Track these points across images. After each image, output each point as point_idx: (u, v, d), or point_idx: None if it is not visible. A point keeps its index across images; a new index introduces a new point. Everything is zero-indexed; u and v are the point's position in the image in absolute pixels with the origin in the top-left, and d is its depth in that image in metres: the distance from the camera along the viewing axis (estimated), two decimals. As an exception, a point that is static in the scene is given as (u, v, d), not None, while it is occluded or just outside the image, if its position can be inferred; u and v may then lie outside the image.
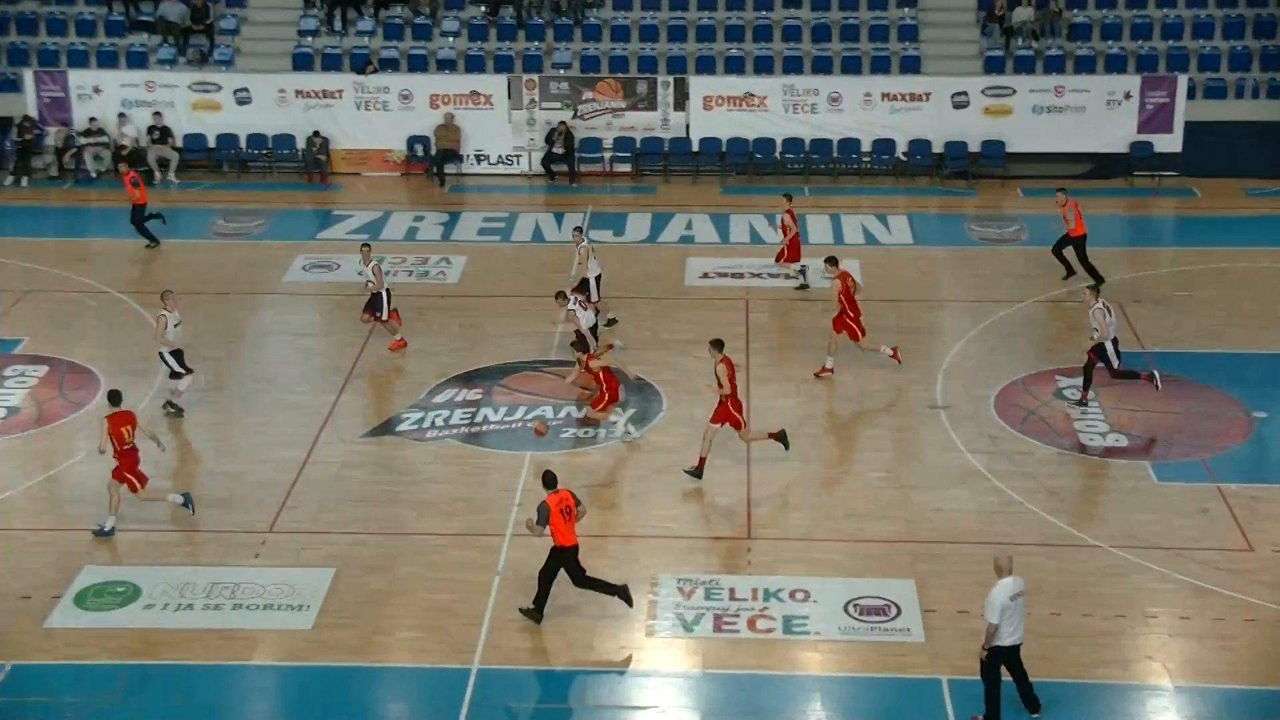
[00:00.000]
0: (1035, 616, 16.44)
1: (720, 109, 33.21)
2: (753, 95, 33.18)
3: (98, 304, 26.02)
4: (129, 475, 19.04)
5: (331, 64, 33.91)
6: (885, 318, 25.14)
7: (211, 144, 33.18)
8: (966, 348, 24.54)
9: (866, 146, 33.26)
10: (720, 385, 20.13)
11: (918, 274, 27.97)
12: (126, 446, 19.02)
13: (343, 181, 32.81)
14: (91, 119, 32.60)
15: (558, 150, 32.76)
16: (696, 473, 20.35)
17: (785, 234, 26.48)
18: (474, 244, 29.20)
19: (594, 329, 23.21)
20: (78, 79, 32.92)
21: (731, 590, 17.91)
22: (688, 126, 33.30)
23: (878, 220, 30.52)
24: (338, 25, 34.52)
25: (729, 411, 20.29)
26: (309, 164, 32.82)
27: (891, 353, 23.36)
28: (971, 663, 15.54)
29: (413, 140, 33.15)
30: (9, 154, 32.39)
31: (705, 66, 34.02)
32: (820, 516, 19.65)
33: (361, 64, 33.45)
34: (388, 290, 24.21)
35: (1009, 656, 15.27)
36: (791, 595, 17.81)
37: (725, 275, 27.58)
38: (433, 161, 32.88)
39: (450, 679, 16.42)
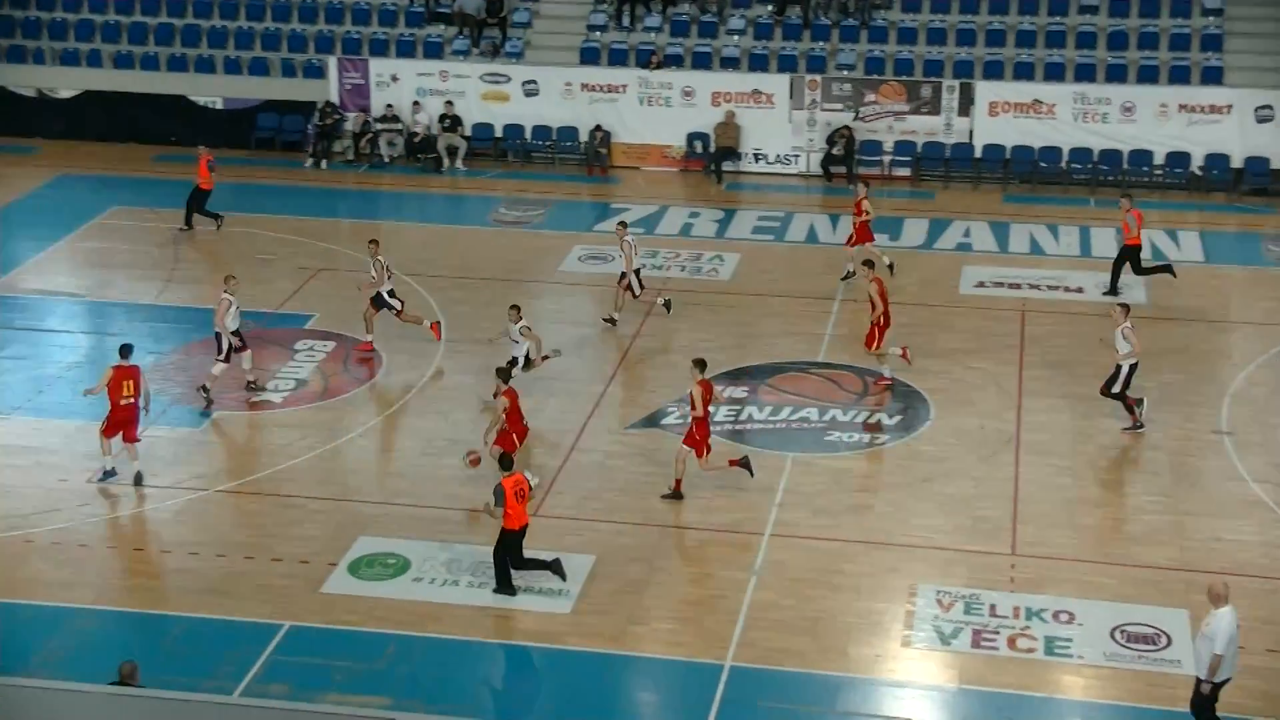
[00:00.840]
0: None
1: (1006, 115, 32.50)
2: (1041, 102, 32.37)
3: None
4: (119, 430, 19.75)
5: (618, 59, 34.41)
6: (1171, 337, 24.25)
7: (498, 134, 34.04)
8: (1257, 373, 23.46)
9: (1159, 159, 32.09)
10: (694, 407, 19.51)
11: (1208, 293, 26.86)
12: (124, 401, 19.70)
13: (622, 175, 33.27)
14: (388, 106, 33.82)
15: (837, 152, 32.55)
16: (676, 495, 19.80)
17: (858, 216, 26.53)
18: (748, 242, 29.27)
19: (526, 361, 22.39)
20: (378, 67, 34.19)
21: (992, 606, 17.52)
22: (971, 132, 32.68)
23: (1167, 236, 29.41)
24: (626, 21, 35.02)
25: (693, 436, 19.65)
26: (590, 157, 33.39)
27: (901, 352, 22.88)
28: (1245, 701, 14.87)
29: (693, 137, 33.39)
30: (310, 137, 33.85)
31: (993, 72, 33.32)
32: (1090, 537, 19.06)
33: (646, 59, 33.86)
34: (390, 291, 24.02)
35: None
36: (1055, 616, 17.32)
37: (1002, 285, 26.99)
38: (711, 158, 33.07)
39: (703, 673, 16.50)
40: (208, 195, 29.25)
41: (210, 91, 34.66)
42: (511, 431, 19.84)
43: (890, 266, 26.49)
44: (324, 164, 33.60)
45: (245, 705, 12.83)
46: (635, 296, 25.03)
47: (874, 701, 16.21)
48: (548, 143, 33.89)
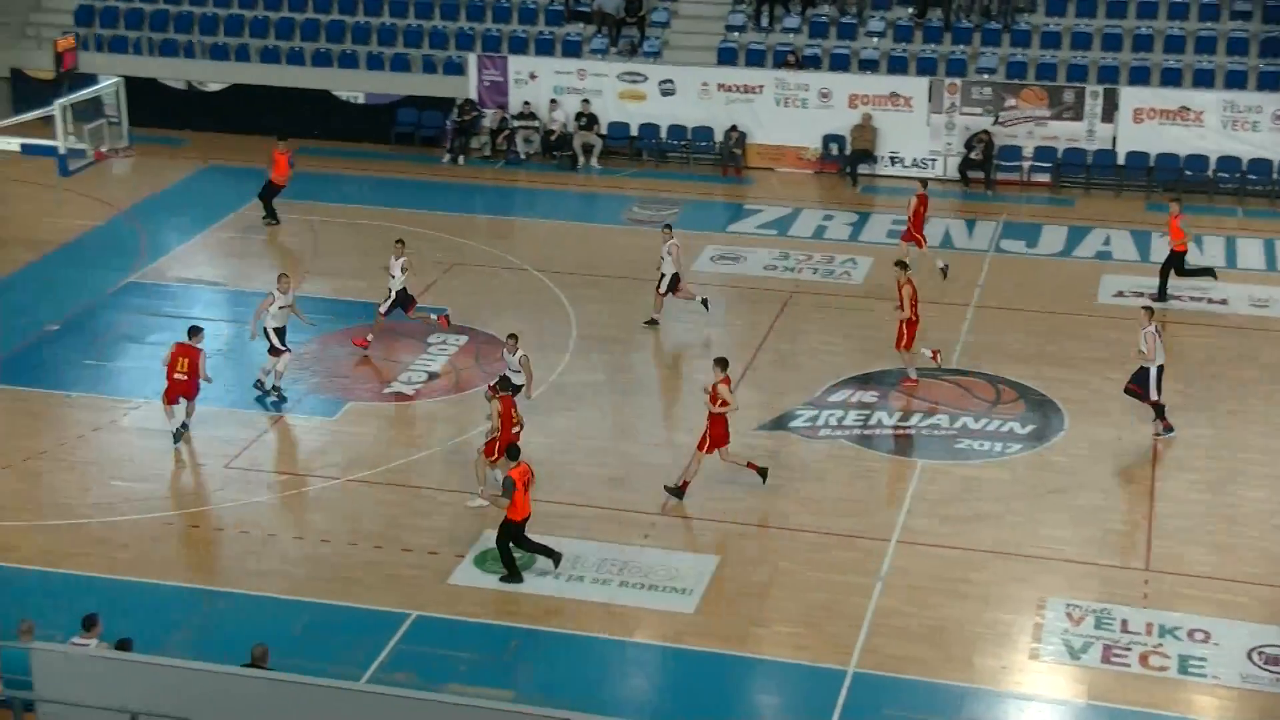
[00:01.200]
0: None
1: (1151, 122, 31.82)
2: (1188, 109, 31.65)
3: (516, 280, 27.19)
4: (176, 398, 20.79)
5: (755, 60, 34.33)
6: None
7: (634, 132, 34.14)
8: None
9: (1312, 170, 31.25)
10: (723, 403, 19.44)
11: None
12: (178, 375, 20.68)
13: (756, 176, 33.17)
14: (525, 103, 34.10)
15: (975, 157, 32.15)
16: (678, 493, 19.75)
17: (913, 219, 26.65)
18: (881, 246, 28.98)
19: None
20: (516, 65, 34.47)
21: (1124, 622, 17.18)
22: (1114, 139, 32.06)
23: (1315, 249, 28.62)
24: (764, 21, 34.91)
25: (723, 430, 19.64)
26: (725, 157, 33.34)
27: (932, 355, 22.84)
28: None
29: (828, 139, 33.20)
30: (449, 133, 34.25)
31: (1139, 78, 32.65)
32: (1228, 555, 18.60)
33: (783, 59, 33.74)
34: (403, 290, 23.99)
35: None
36: (1190, 635, 16.94)
37: (1142, 295, 26.40)
38: (846, 161, 32.85)
39: (825, 678, 16.40)
40: (279, 190, 29.60)
41: (352, 86, 35.22)
42: (502, 440, 19.47)
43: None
44: (461, 160, 33.97)
45: (371, 692, 13.00)
46: (662, 294, 24.87)
47: (999, 713, 15.99)
48: (683, 142, 33.91)
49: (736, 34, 34.82)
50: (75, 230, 29.15)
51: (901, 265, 23.46)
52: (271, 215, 29.70)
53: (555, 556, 18.16)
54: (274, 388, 22.57)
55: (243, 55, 35.86)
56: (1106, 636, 16.94)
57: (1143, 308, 22.02)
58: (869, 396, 22.70)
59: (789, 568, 18.48)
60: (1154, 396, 21.18)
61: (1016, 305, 26.04)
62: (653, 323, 24.97)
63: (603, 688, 16.58)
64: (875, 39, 34.30)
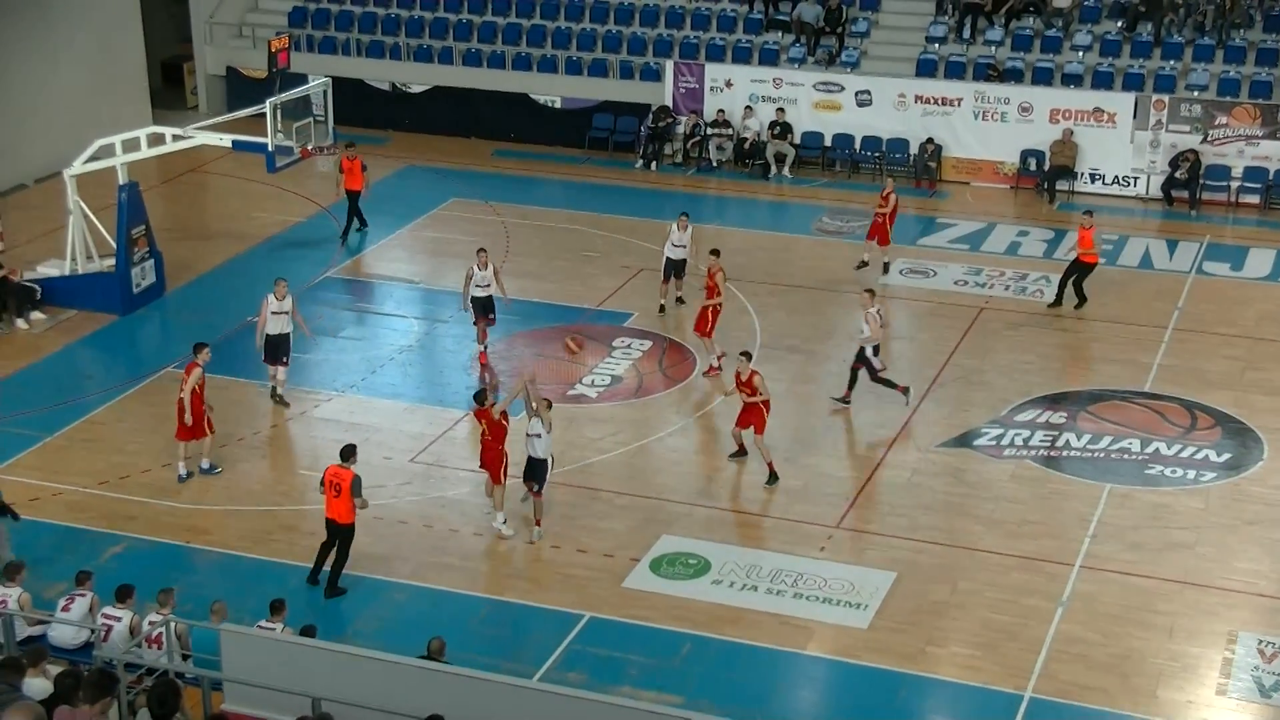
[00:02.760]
0: None
1: (1369, 143, 30.61)
2: None
3: (701, 287, 27.18)
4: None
5: (955, 72, 33.85)
6: None
7: (828, 143, 33.94)
8: None
9: None
10: (758, 391, 20.27)
11: None
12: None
13: (951, 189, 32.70)
14: (719, 111, 34.15)
15: (1180, 176, 31.22)
16: (772, 478, 20.44)
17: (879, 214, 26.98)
18: (1078, 264, 28.33)
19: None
20: (713, 72, 34.53)
21: (1319, 663, 16.54)
22: (1331, 159, 30.89)
23: None
24: (966, 33, 34.42)
25: (761, 417, 20.43)
26: (919, 170, 32.95)
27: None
28: None
29: (1026, 154, 32.58)
30: (643, 139, 34.48)
31: (1357, 96, 31.44)
32: None
33: (983, 72, 33.23)
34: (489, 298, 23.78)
35: None
36: (1388, 680, 16.23)
37: (1353, 323, 25.41)
38: (1045, 177, 32.19)
39: (1000, 702, 16.11)
40: (358, 196, 29.17)
41: (550, 91, 35.68)
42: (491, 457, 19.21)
43: (863, 264, 27.40)
44: (654, 166, 34.17)
45: (544, 690, 13.15)
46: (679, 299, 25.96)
47: (1181, 750, 15.52)
48: (876, 154, 33.61)
49: (937, 45, 34.38)
50: (280, 225, 30.08)
51: (715, 253, 24.03)
52: (361, 221, 29.51)
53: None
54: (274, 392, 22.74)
55: (446, 58, 36.60)
56: (1299, 676, 16.33)
57: (865, 290, 23.22)
58: (1057, 417, 22.21)
59: (968, 587, 18.18)
60: (879, 370, 22.29)
61: (1218, 330, 25.24)
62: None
63: (773, 699, 16.50)
64: (1081, 53, 33.54)
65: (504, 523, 19.29)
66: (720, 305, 23.74)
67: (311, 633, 15.44)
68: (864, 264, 27.53)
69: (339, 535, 18.14)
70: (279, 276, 22.96)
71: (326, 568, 18.18)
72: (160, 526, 19.38)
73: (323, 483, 18.23)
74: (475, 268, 23.62)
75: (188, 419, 20.26)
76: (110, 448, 21.49)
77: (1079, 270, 26.04)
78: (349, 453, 18.24)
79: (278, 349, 22.49)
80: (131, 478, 20.63)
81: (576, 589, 18.17)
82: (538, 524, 19.24)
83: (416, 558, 19.03)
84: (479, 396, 19.54)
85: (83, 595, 16.09)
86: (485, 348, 24.08)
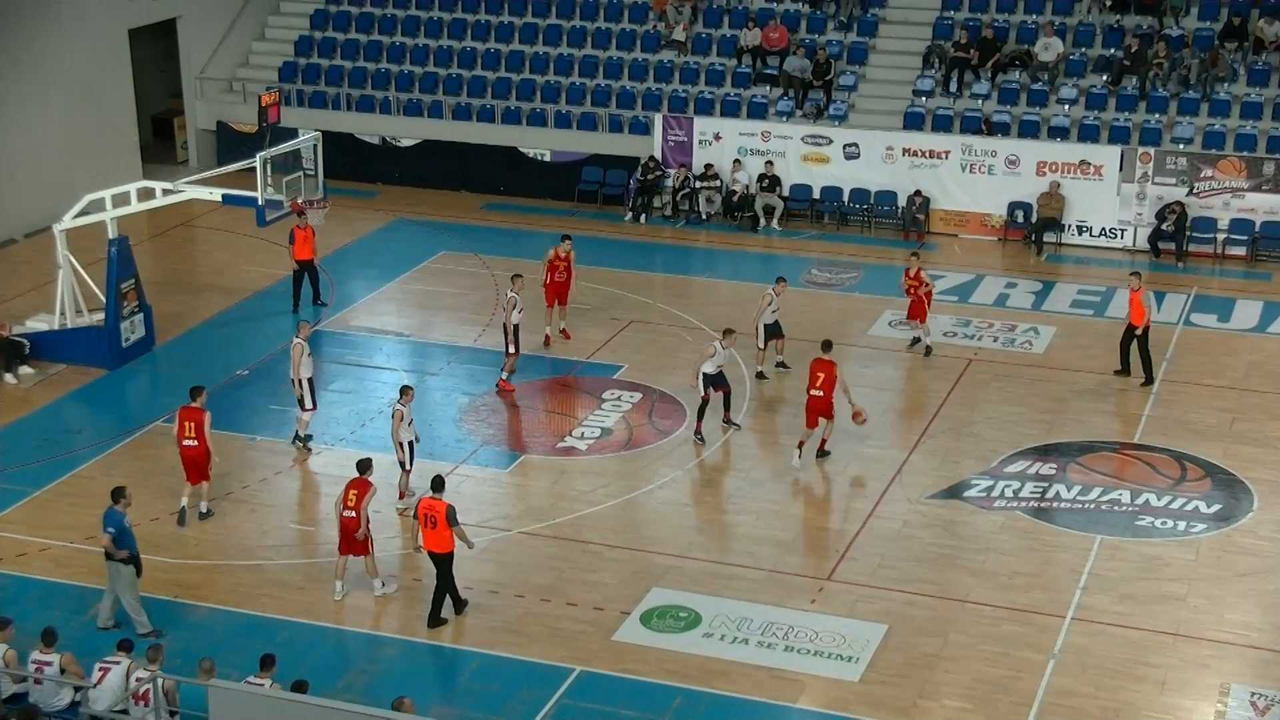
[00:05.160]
0: None
1: (1359, 194, 30.80)
2: (1393, 183, 30.56)
3: (692, 339, 27.27)
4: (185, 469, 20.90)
5: (941, 125, 34.06)
6: None
7: (816, 195, 34.08)
8: None
9: None
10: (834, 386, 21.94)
11: None
12: (186, 442, 20.65)
13: (939, 241, 32.83)
14: (708, 165, 34.30)
15: (1167, 228, 31.39)
16: (823, 453, 22.27)
17: (910, 293, 26.63)
18: (1065, 316, 28.45)
19: None
20: (702, 125, 34.72)
21: (1311, 715, 16.49)
22: (1316, 212, 31.06)
23: None
24: (953, 87, 34.66)
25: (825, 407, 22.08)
26: (907, 222, 33.09)
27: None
28: None
29: (1014, 206, 32.74)
30: (632, 192, 34.61)
31: (1342, 149, 31.66)
32: None
33: (973, 125, 33.44)
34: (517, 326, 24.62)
35: None
36: (1381, 732, 16.19)
37: (1340, 374, 25.49)
38: (1032, 229, 32.34)
39: (992, 756, 16.03)
40: (309, 263, 28.18)
41: (540, 144, 35.84)
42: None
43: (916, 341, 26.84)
44: (643, 218, 34.28)
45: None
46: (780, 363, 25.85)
47: (1174, 804, 15.44)
48: (865, 206, 33.76)
49: (924, 99, 34.61)
50: (269, 279, 30.10)
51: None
52: (315, 293, 28.64)
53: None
54: (296, 435, 23.06)
55: (436, 112, 36.76)
56: (1292, 729, 16.28)
57: (722, 333, 23.64)
58: (1047, 469, 22.22)
59: (959, 640, 18.13)
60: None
61: (1205, 381, 25.33)
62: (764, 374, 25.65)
63: (764, 753, 16.43)
64: (1067, 106, 33.79)
65: (383, 585, 19.15)
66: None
67: (304, 688, 15.35)
68: (917, 340, 26.94)
69: (440, 564, 18.38)
70: (302, 319, 23.12)
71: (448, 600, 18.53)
72: (149, 581, 19.26)
73: (416, 516, 18.43)
74: (516, 296, 24.64)
75: (216, 459, 20.86)
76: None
77: (1131, 336, 25.22)
78: (439, 484, 18.55)
79: (315, 391, 22.94)
80: (119, 532, 20.52)
81: (566, 643, 18.10)
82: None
83: (405, 611, 18.93)
84: (362, 465, 19.36)
85: (118, 662, 15.99)
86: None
